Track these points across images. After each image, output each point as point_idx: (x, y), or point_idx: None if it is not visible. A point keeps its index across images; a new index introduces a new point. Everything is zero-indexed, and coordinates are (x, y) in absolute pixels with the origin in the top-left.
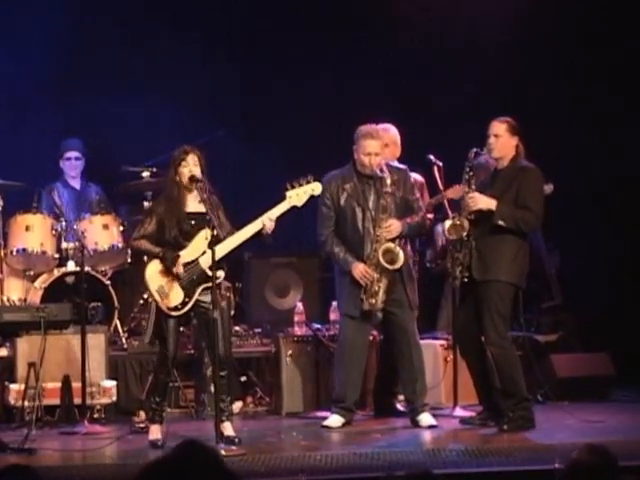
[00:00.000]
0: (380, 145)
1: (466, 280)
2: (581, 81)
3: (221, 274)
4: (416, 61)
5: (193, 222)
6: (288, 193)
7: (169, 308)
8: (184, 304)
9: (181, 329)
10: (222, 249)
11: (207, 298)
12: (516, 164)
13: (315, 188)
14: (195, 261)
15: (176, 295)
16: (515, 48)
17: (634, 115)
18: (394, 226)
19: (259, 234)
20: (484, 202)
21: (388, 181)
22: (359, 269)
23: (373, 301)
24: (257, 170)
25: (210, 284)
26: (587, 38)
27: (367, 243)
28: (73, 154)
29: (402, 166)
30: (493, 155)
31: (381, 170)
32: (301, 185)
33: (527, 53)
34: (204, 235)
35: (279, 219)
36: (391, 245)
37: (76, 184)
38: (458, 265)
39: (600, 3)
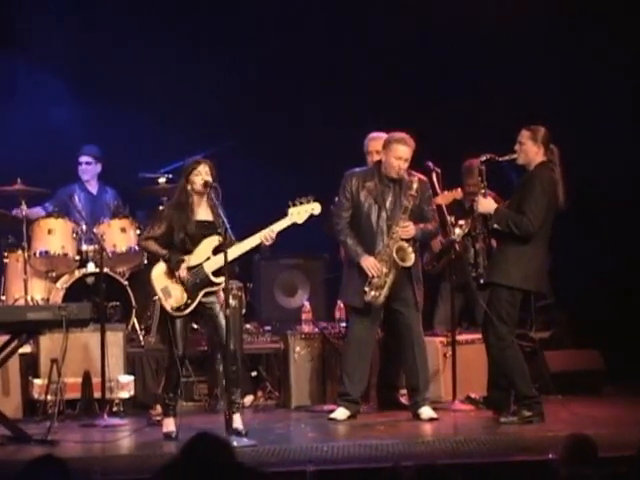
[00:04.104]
0: (410, 152)
1: (482, 282)
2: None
3: (222, 279)
4: (415, 73)
5: (200, 229)
6: (290, 210)
7: (172, 308)
8: (186, 306)
9: (195, 327)
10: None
11: (211, 299)
12: (535, 171)
13: (315, 208)
14: (199, 266)
15: (179, 297)
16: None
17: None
18: (410, 227)
19: (259, 246)
20: (484, 206)
21: (414, 185)
22: (369, 261)
23: (377, 294)
24: (261, 182)
25: (212, 289)
26: None
27: (379, 240)
28: (84, 159)
29: (423, 177)
30: (518, 161)
31: (409, 174)
32: (302, 204)
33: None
34: (210, 242)
35: (280, 232)
36: (404, 244)
37: (92, 188)
38: (468, 265)
39: None
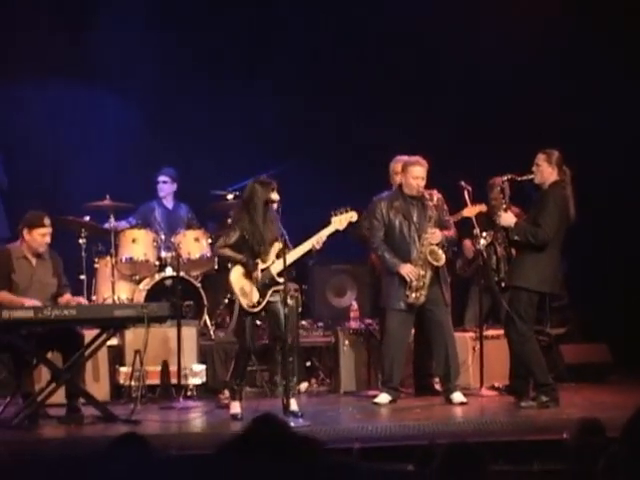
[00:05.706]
0: (425, 171)
1: (503, 285)
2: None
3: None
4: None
5: (268, 236)
6: (333, 219)
7: (248, 306)
8: (259, 303)
9: (258, 323)
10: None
11: (276, 298)
12: (549, 189)
13: (353, 216)
14: (267, 268)
15: (254, 295)
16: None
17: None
18: (437, 233)
19: (311, 250)
20: (505, 220)
21: (435, 197)
22: (407, 268)
23: (418, 294)
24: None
25: (278, 288)
26: None
27: (413, 249)
28: (161, 178)
29: (438, 194)
30: (535, 181)
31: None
32: (342, 213)
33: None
34: (274, 248)
35: (328, 238)
36: (435, 247)
37: (169, 204)
38: (491, 270)
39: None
